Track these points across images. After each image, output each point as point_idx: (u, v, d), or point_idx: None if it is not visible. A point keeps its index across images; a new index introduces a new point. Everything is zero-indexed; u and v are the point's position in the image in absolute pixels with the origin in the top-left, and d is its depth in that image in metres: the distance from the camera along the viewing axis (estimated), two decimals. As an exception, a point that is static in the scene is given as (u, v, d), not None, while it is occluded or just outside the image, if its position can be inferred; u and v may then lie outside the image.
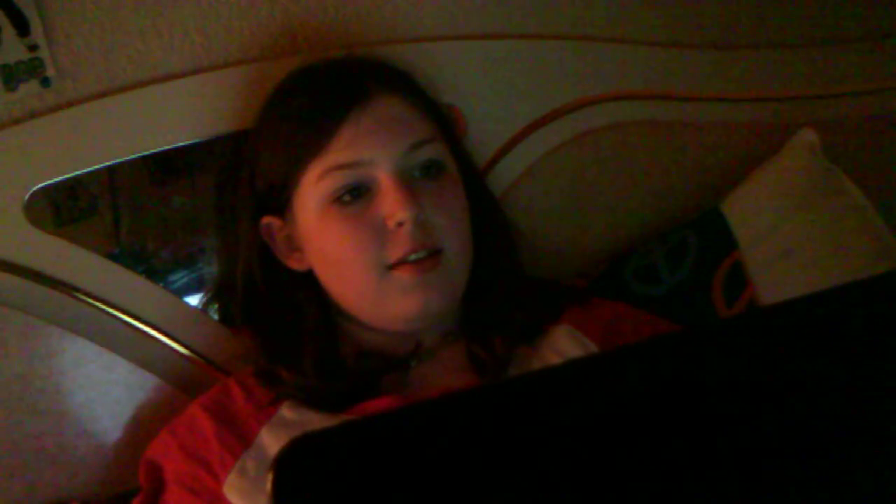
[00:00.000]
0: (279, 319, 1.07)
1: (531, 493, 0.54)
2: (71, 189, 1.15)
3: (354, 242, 1.01)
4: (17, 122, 1.11)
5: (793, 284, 1.14)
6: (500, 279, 1.10)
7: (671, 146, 1.27)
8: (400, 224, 1.00)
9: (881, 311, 0.63)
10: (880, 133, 1.30)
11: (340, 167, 1.01)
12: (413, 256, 1.00)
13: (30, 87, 1.11)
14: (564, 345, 1.06)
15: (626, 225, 1.26)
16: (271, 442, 1.01)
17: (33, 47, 1.10)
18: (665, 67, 1.27)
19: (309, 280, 1.07)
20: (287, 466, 0.53)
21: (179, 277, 1.18)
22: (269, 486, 0.52)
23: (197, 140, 1.16)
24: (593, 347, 1.06)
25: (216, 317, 1.15)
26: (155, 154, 1.16)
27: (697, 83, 1.27)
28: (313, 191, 1.02)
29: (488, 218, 1.11)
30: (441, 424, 0.55)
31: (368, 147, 1.01)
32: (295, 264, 1.07)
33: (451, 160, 1.07)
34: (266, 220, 1.07)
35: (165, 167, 1.19)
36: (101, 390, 1.13)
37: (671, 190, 1.27)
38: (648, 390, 0.58)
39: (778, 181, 1.21)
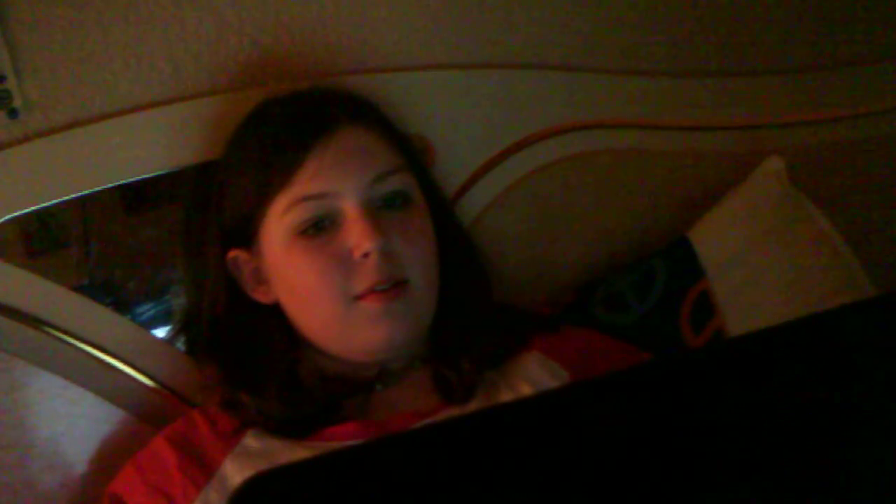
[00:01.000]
0: (244, 350, 1.06)
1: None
2: (42, 220, 1.14)
3: (320, 274, 1.01)
4: (-17, 153, 1.11)
5: (760, 313, 1.14)
6: (468, 306, 1.10)
7: (639, 175, 1.28)
8: (366, 255, 1.00)
9: (849, 341, 0.64)
10: (847, 160, 1.31)
11: (306, 199, 1.01)
12: (379, 287, 1.00)
13: (-4, 119, 1.11)
14: (534, 372, 1.06)
15: (595, 253, 1.27)
16: (234, 472, 1.00)
17: (0, 79, 1.10)
18: (632, 97, 1.27)
19: (275, 312, 1.07)
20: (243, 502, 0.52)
21: (147, 309, 1.18)
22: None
23: (166, 171, 1.15)
24: (564, 374, 1.06)
25: (183, 349, 1.14)
26: (125, 185, 1.15)
27: (665, 112, 1.28)
28: (279, 223, 1.02)
29: (456, 247, 1.11)
30: (397, 460, 0.55)
31: (334, 179, 1.02)
32: (261, 297, 1.07)
33: (417, 191, 1.07)
34: (233, 253, 1.07)
35: (136, 198, 1.18)
36: (67, 424, 1.12)
37: (639, 218, 1.28)
38: (620, 422, 0.58)
39: (745, 209, 1.22)
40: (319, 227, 1.02)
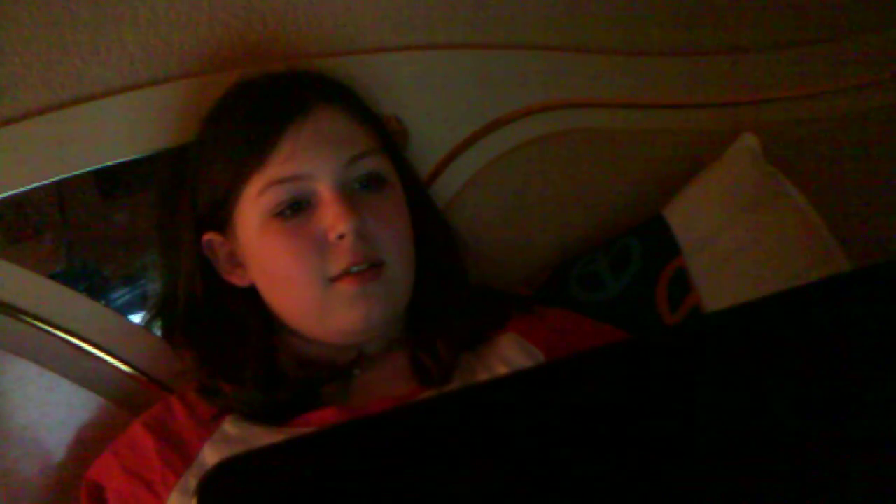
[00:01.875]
0: (220, 334, 1.06)
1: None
2: (16, 208, 1.14)
3: (296, 256, 1.01)
4: (-47, 141, 1.10)
5: (735, 289, 1.14)
6: (444, 288, 1.10)
7: (614, 153, 1.27)
8: (341, 237, 1.00)
9: (824, 316, 0.64)
10: (820, 136, 1.31)
11: (281, 181, 1.01)
12: (355, 269, 1.00)
13: (-35, 107, 1.10)
14: (510, 353, 1.06)
15: (571, 233, 1.26)
16: (214, 458, 1.00)
17: (-32, 66, 1.09)
18: (607, 75, 1.27)
19: (251, 295, 1.07)
20: (212, 490, 0.52)
21: (122, 295, 1.17)
22: (193, 510, 0.52)
23: (138, 156, 1.15)
24: (539, 355, 1.06)
25: (159, 334, 1.14)
26: (100, 170, 1.14)
27: (639, 91, 1.28)
28: (254, 206, 1.02)
29: (432, 228, 1.11)
30: (371, 442, 0.55)
31: (308, 160, 1.01)
32: (237, 280, 1.07)
33: (392, 172, 1.07)
34: (207, 236, 1.07)
35: (111, 183, 1.18)
36: (44, 411, 1.12)
37: (615, 197, 1.27)
38: (596, 400, 0.58)
39: (720, 186, 1.22)
40: (294, 209, 1.01)
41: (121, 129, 1.14)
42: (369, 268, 1.01)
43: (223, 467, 0.52)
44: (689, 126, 1.29)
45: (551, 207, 1.26)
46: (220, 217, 1.05)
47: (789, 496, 0.60)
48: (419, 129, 1.20)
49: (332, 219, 1.00)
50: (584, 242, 1.26)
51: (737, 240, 1.18)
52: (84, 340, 1.13)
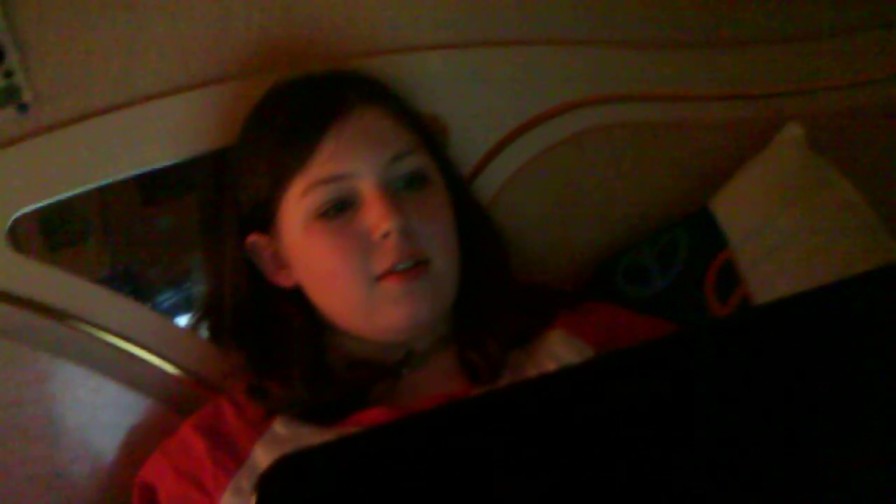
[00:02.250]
0: (267, 335, 1.06)
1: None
2: (61, 214, 1.14)
3: (341, 256, 1.01)
4: (-5, 148, 1.11)
5: (785, 281, 1.13)
6: (491, 285, 1.09)
7: (657, 147, 1.26)
8: (385, 235, 1.00)
9: (877, 306, 0.63)
10: (866, 125, 1.29)
11: (324, 182, 1.01)
12: (400, 266, 1.00)
13: (7, 114, 1.11)
14: (559, 349, 1.05)
15: (615, 227, 1.25)
16: (265, 459, 1.00)
17: (8, 74, 1.10)
18: (647, 69, 1.25)
19: (297, 296, 1.07)
20: (271, 488, 0.52)
21: (167, 297, 1.18)
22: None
23: (178, 160, 1.15)
24: (588, 351, 1.05)
25: (206, 335, 1.14)
26: (141, 176, 1.15)
27: (681, 83, 1.26)
28: (297, 207, 1.02)
29: (476, 226, 1.11)
30: (426, 438, 0.54)
31: (350, 160, 1.01)
32: (282, 281, 1.07)
33: (434, 170, 1.07)
34: (252, 238, 1.07)
35: (152, 188, 1.18)
36: (93, 413, 1.12)
37: (659, 190, 1.26)
38: (648, 393, 0.57)
39: (766, 177, 1.20)
40: (338, 209, 1.01)
41: (161, 134, 1.15)
42: (415, 266, 1.00)
43: (282, 464, 0.51)
44: (733, 117, 1.27)
45: (594, 203, 1.25)
46: (264, 218, 1.05)
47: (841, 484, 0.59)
48: (459, 127, 1.20)
49: (376, 218, 1.00)
50: (628, 237, 1.24)
51: (785, 231, 1.16)
52: (131, 343, 1.13)
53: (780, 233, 1.16)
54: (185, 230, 1.21)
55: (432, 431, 0.54)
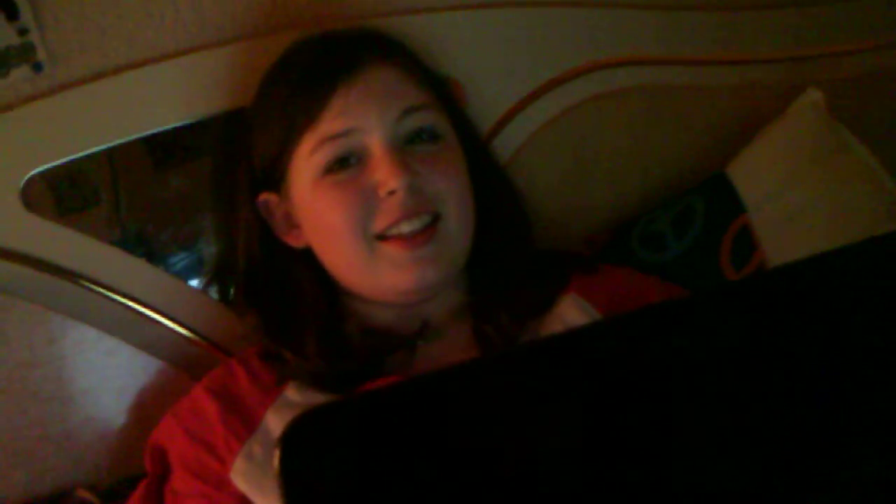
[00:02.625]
0: (280, 299, 1.05)
1: (538, 460, 0.53)
2: (71, 178, 1.14)
3: (342, 210, 0.99)
4: (9, 107, 1.10)
5: (802, 246, 1.12)
6: (509, 252, 1.08)
7: (673, 111, 1.25)
8: (391, 192, 0.98)
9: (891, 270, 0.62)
10: (886, 90, 1.28)
11: (332, 137, 1.00)
12: (407, 227, 0.98)
13: (21, 73, 1.10)
14: (571, 315, 1.04)
15: (631, 192, 1.25)
16: (277, 425, 0.99)
17: (23, 31, 1.09)
18: (666, 31, 1.24)
19: (308, 257, 1.06)
20: (293, 443, 0.51)
21: (180, 259, 1.17)
22: (275, 462, 0.51)
23: (192, 120, 1.14)
24: (598, 316, 1.04)
25: (216, 297, 1.14)
26: (153, 136, 1.14)
27: (699, 46, 1.25)
28: (307, 164, 1.01)
29: (495, 188, 1.09)
30: (449, 395, 0.54)
31: (359, 115, 1.00)
32: (293, 241, 1.06)
33: (449, 129, 1.05)
34: (263, 196, 1.06)
35: (165, 149, 1.17)
36: (104, 375, 1.12)
37: (675, 155, 1.25)
38: (655, 356, 0.57)
39: (784, 142, 1.19)
40: (346, 165, 1.00)
41: (175, 94, 1.14)
42: (423, 228, 0.99)
43: (306, 420, 0.51)
44: (752, 82, 1.26)
45: (610, 167, 1.24)
46: (275, 177, 1.04)
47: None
48: (475, 89, 1.19)
49: (384, 175, 0.98)
50: (644, 202, 1.24)
51: (802, 196, 1.15)
52: (143, 305, 1.13)
53: (798, 198, 1.15)
54: (197, 192, 1.19)
55: (456, 387, 0.54)
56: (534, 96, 1.21)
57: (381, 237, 0.99)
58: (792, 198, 1.15)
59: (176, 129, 1.14)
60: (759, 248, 1.14)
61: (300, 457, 0.51)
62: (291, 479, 0.50)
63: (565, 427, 0.55)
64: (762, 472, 0.57)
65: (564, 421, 0.55)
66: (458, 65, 1.17)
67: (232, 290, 1.11)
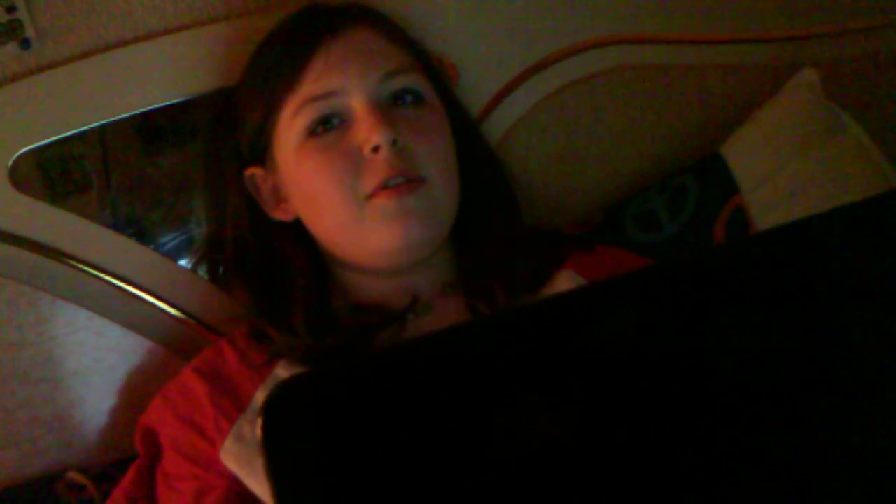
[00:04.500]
0: (269, 274, 1.04)
1: (523, 426, 0.53)
2: (62, 160, 1.13)
3: (330, 172, 0.98)
4: (-3, 85, 1.09)
5: (796, 227, 1.11)
6: (496, 226, 1.07)
7: (666, 91, 1.24)
8: (376, 149, 0.97)
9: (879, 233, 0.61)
10: (881, 71, 1.27)
11: (313, 99, 0.99)
12: (391, 182, 0.97)
13: (9, 50, 1.09)
14: (565, 288, 1.03)
15: (625, 172, 1.24)
16: (267, 404, 0.99)
17: (11, 9, 1.08)
18: (660, 10, 1.23)
19: (297, 231, 1.05)
20: (276, 411, 0.51)
21: (170, 239, 1.16)
22: (258, 431, 0.50)
23: (183, 98, 1.13)
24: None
25: (206, 277, 1.13)
26: (143, 115, 1.13)
27: (694, 25, 1.24)
28: (289, 128, 1.00)
29: (482, 161, 1.08)
30: (434, 361, 0.53)
31: (341, 76, 0.99)
32: (282, 215, 1.05)
33: (433, 94, 1.04)
34: (249, 171, 1.05)
35: (154, 128, 1.17)
36: (94, 356, 1.12)
37: (669, 135, 1.24)
38: (638, 322, 0.56)
39: (779, 122, 1.18)
40: (329, 127, 0.99)
41: (165, 72, 1.13)
42: (407, 182, 0.97)
43: (289, 386, 0.50)
44: (746, 62, 1.25)
45: (603, 147, 1.23)
46: (260, 148, 1.03)
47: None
48: (467, 69, 1.18)
49: (366, 131, 0.97)
50: (638, 182, 1.23)
51: (797, 177, 1.15)
52: (133, 285, 1.12)
53: (793, 179, 1.15)
54: (187, 172, 1.18)
55: (441, 352, 0.53)
56: (526, 75, 1.20)
57: (369, 195, 0.98)
58: (786, 178, 1.15)
59: (165, 109, 1.13)
60: (753, 228, 1.14)
61: (283, 425, 0.51)
62: (274, 448, 0.50)
63: (552, 394, 0.54)
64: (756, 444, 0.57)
65: (551, 388, 0.54)
66: (450, 44, 1.16)
67: (221, 269, 1.10)
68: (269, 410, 0.51)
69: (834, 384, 0.58)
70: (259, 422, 0.50)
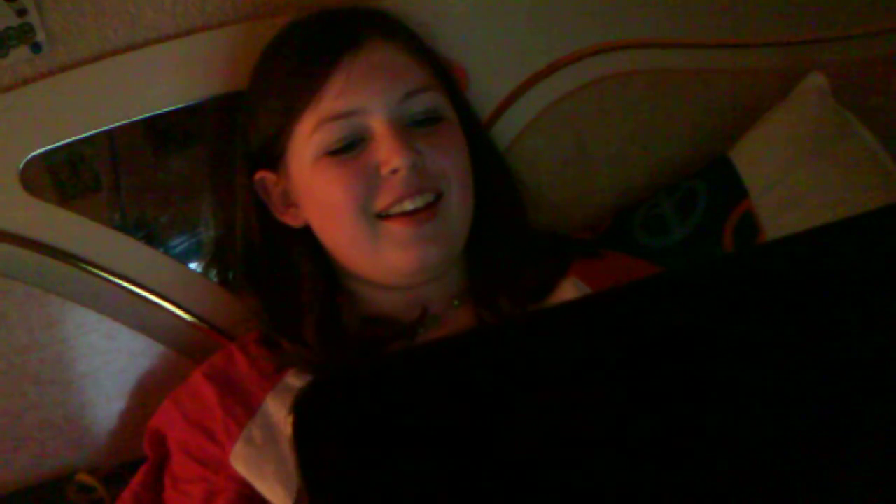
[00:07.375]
0: (279, 282, 1.04)
1: (553, 424, 0.53)
2: (72, 164, 1.13)
3: (344, 188, 0.98)
4: (8, 88, 1.09)
5: (805, 231, 1.12)
6: (507, 236, 1.07)
7: (676, 95, 1.24)
8: (394, 171, 0.97)
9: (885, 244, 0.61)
10: (890, 74, 1.27)
11: (334, 118, 0.98)
12: (410, 205, 0.97)
13: (20, 54, 1.09)
14: (570, 296, 1.03)
15: (633, 176, 1.24)
16: (277, 409, 0.99)
17: (22, 12, 1.08)
18: (668, 14, 1.23)
19: (307, 238, 1.05)
20: (307, 407, 0.51)
21: (180, 243, 1.17)
22: (289, 428, 0.50)
23: (192, 102, 1.13)
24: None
25: (216, 280, 1.14)
26: (152, 118, 1.13)
27: (702, 30, 1.24)
28: (307, 143, 1.00)
29: (493, 171, 1.08)
30: (464, 360, 0.53)
31: (362, 95, 0.98)
32: (290, 220, 1.05)
33: (450, 111, 1.04)
34: (259, 174, 1.05)
35: (164, 132, 1.17)
36: (105, 359, 1.12)
37: (678, 139, 1.25)
38: (646, 331, 0.56)
39: (787, 127, 1.19)
40: (349, 147, 0.99)
41: (175, 76, 1.13)
42: (425, 206, 0.98)
43: (320, 385, 0.50)
44: (754, 66, 1.25)
45: (612, 151, 1.23)
46: (272, 155, 1.03)
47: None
48: (477, 73, 1.18)
49: (387, 153, 0.97)
50: (646, 186, 1.23)
51: (806, 181, 1.15)
52: (143, 288, 1.13)
53: (802, 183, 1.15)
54: (197, 175, 1.18)
55: (473, 352, 0.53)
56: (536, 80, 1.20)
57: (383, 216, 0.98)
58: (795, 182, 1.15)
59: (175, 113, 1.14)
60: (762, 233, 1.14)
61: (314, 421, 0.51)
62: (305, 445, 0.50)
63: (578, 397, 0.54)
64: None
65: (577, 390, 0.54)
66: (461, 48, 1.16)
67: (231, 274, 1.10)
68: (300, 408, 0.51)
69: (849, 394, 0.58)
70: (290, 419, 0.50)
